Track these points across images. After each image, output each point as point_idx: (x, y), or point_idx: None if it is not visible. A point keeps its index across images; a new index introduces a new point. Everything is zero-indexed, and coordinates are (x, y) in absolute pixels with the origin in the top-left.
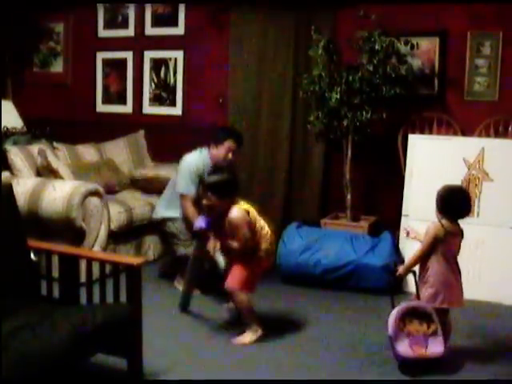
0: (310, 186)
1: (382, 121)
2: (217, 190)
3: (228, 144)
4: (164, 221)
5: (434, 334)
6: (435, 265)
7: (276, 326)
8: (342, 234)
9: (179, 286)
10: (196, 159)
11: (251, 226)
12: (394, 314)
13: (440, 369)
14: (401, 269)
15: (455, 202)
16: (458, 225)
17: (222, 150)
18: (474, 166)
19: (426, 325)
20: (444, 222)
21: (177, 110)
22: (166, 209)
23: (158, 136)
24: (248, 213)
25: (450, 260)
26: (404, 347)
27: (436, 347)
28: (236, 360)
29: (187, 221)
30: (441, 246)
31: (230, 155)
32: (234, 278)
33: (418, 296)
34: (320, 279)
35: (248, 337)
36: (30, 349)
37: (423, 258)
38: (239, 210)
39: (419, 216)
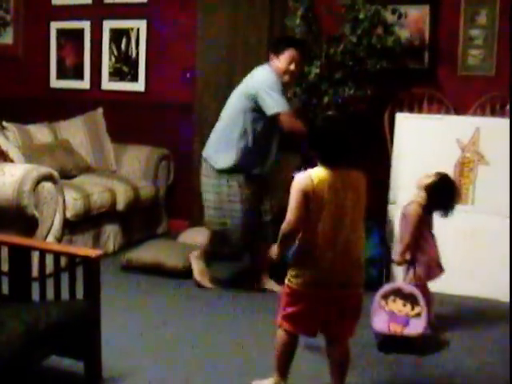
0: (286, 171)
1: (366, 98)
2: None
3: (290, 52)
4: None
5: (418, 315)
6: (422, 243)
7: (258, 322)
8: None
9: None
10: (271, 71)
11: (308, 200)
12: (379, 291)
13: (417, 351)
14: (396, 257)
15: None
16: None
17: (283, 62)
18: (469, 147)
19: (410, 306)
20: (421, 199)
21: (139, 86)
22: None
23: (119, 114)
24: (312, 181)
25: (429, 233)
26: (381, 324)
27: (416, 329)
28: (206, 362)
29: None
30: (422, 223)
31: (292, 66)
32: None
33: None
34: None
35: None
36: None
37: (414, 241)
38: (302, 176)
39: None
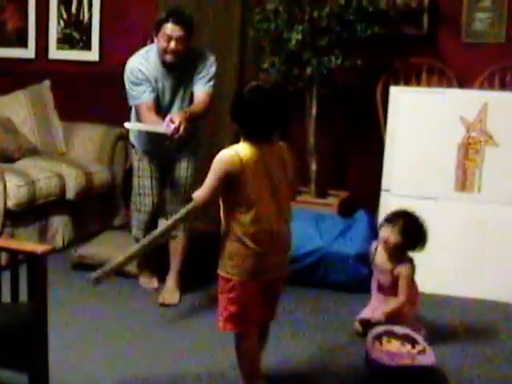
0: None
1: (355, 68)
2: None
3: (166, 29)
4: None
5: (422, 352)
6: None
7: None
8: (304, 215)
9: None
10: (136, 61)
11: (231, 180)
12: (369, 334)
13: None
14: (380, 316)
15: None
16: None
17: (161, 40)
18: (475, 126)
19: (410, 345)
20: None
21: (92, 55)
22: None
23: (69, 88)
24: (241, 161)
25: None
26: (382, 358)
27: (426, 362)
28: (169, 375)
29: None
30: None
31: (172, 44)
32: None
33: None
34: None
35: None
36: None
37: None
38: (228, 152)
39: (403, 191)
